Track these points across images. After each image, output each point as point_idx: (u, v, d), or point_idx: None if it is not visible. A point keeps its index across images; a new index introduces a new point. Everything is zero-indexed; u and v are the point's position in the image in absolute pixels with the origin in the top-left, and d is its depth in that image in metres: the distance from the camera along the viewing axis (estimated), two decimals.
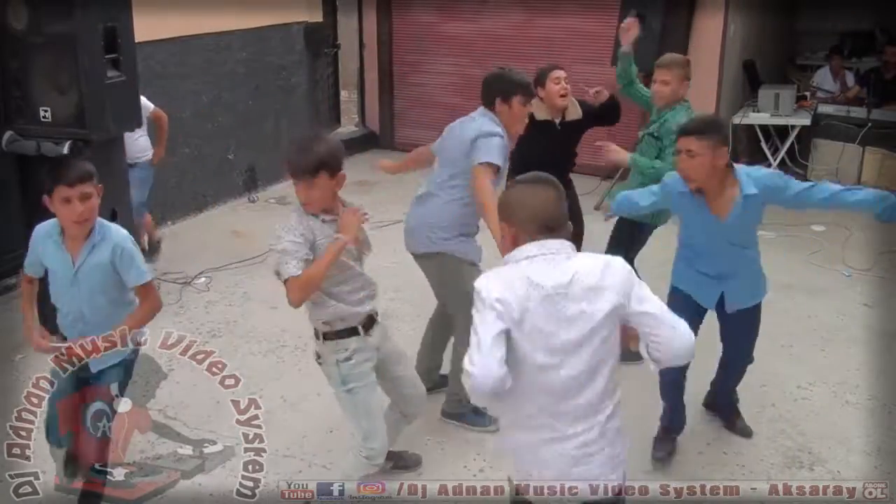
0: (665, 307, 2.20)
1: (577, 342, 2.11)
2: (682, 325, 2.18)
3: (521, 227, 2.16)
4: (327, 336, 2.94)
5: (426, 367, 4.00)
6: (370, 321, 3.03)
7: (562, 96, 4.49)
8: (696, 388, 4.01)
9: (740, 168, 3.25)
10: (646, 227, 4.32)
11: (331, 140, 2.94)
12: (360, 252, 3.01)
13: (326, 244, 2.77)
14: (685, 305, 3.26)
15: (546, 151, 4.36)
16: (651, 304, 2.16)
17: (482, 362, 2.01)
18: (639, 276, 2.22)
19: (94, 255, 2.83)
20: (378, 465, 3.08)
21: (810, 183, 3.32)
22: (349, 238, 2.78)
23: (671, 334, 2.15)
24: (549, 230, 2.14)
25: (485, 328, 2.05)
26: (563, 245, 2.15)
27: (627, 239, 4.33)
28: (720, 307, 3.44)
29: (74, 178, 2.74)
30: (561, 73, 4.51)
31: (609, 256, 2.23)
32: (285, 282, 2.71)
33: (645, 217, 4.12)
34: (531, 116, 4.60)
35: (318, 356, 3.02)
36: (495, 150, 3.50)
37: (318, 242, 2.79)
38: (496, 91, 3.63)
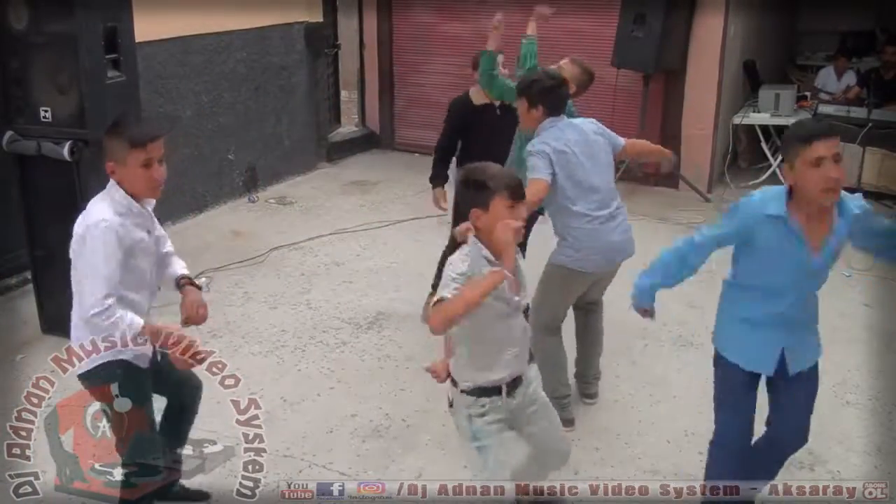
0: None
1: None
2: None
3: None
4: (467, 391, 2.66)
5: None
6: (516, 382, 2.71)
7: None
8: (692, 383, 4.02)
9: None
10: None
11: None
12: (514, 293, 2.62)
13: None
14: (736, 382, 2.83)
15: (488, 138, 4.34)
16: None
17: None
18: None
19: None
20: None
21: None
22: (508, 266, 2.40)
23: None
24: None
25: None
26: None
27: None
28: (780, 370, 2.82)
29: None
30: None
31: None
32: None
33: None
34: (469, 103, 4.63)
35: (450, 403, 2.75)
36: None
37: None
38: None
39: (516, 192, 2.49)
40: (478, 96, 4.58)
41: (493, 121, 4.52)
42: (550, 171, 3.48)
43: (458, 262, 2.46)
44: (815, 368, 2.88)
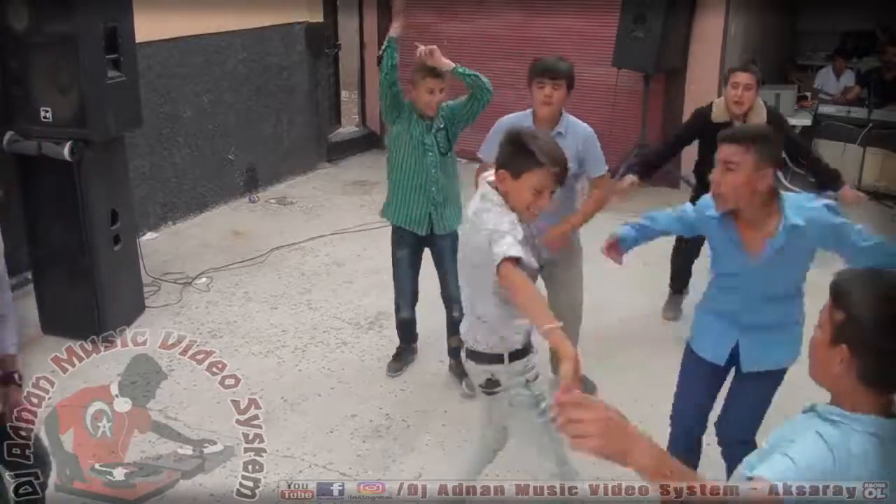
0: None
1: None
2: None
3: None
4: (514, 355, 2.59)
5: None
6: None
7: (736, 103, 4.26)
8: None
9: (788, 196, 2.68)
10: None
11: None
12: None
13: None
14: (696, 371, 2.94)
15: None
16: None
17: None
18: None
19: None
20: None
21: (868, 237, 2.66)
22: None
23: None
24: None
25: None
26: None
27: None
28: (735, 365, 2.89)
29: None
30: (741, 78, 4.21)
31: None
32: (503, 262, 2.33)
33: None
34: (707, 117, 4.42)
35: (495, 384, 2.59)
36: None
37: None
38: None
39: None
40: (719, 112, 4.38)
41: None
42: None
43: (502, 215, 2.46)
44: (778, 372, 2.89)
